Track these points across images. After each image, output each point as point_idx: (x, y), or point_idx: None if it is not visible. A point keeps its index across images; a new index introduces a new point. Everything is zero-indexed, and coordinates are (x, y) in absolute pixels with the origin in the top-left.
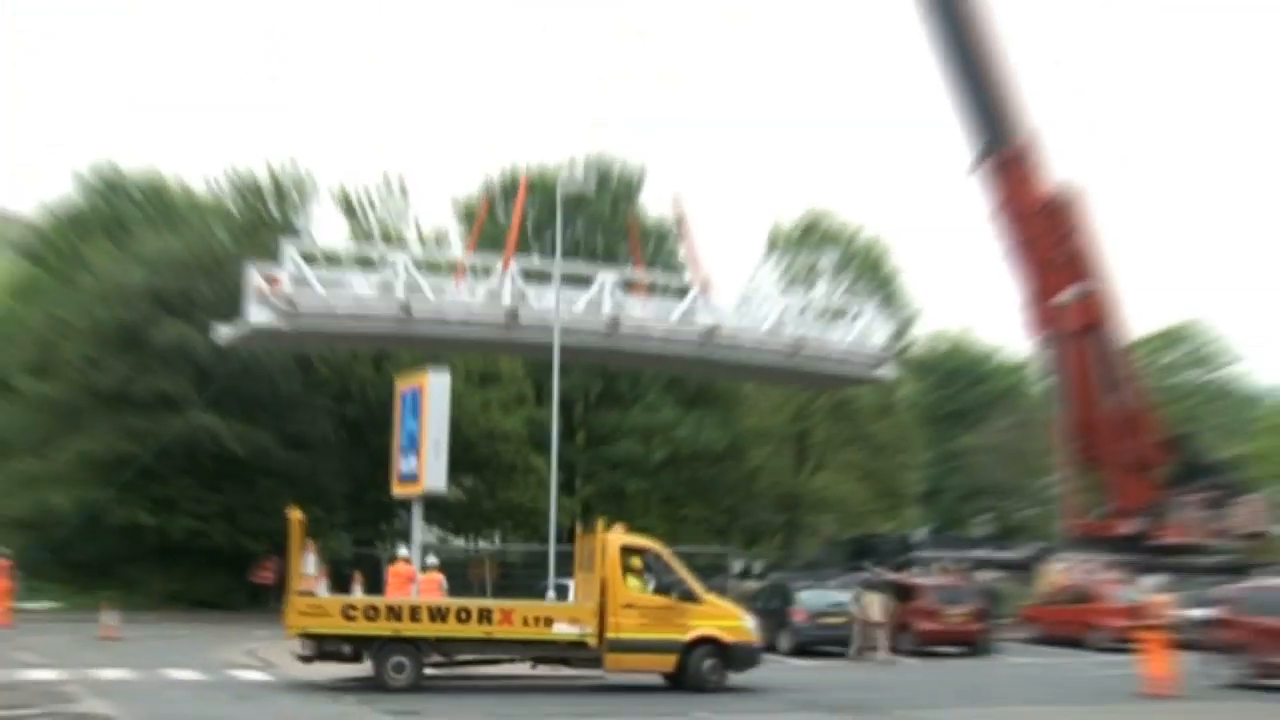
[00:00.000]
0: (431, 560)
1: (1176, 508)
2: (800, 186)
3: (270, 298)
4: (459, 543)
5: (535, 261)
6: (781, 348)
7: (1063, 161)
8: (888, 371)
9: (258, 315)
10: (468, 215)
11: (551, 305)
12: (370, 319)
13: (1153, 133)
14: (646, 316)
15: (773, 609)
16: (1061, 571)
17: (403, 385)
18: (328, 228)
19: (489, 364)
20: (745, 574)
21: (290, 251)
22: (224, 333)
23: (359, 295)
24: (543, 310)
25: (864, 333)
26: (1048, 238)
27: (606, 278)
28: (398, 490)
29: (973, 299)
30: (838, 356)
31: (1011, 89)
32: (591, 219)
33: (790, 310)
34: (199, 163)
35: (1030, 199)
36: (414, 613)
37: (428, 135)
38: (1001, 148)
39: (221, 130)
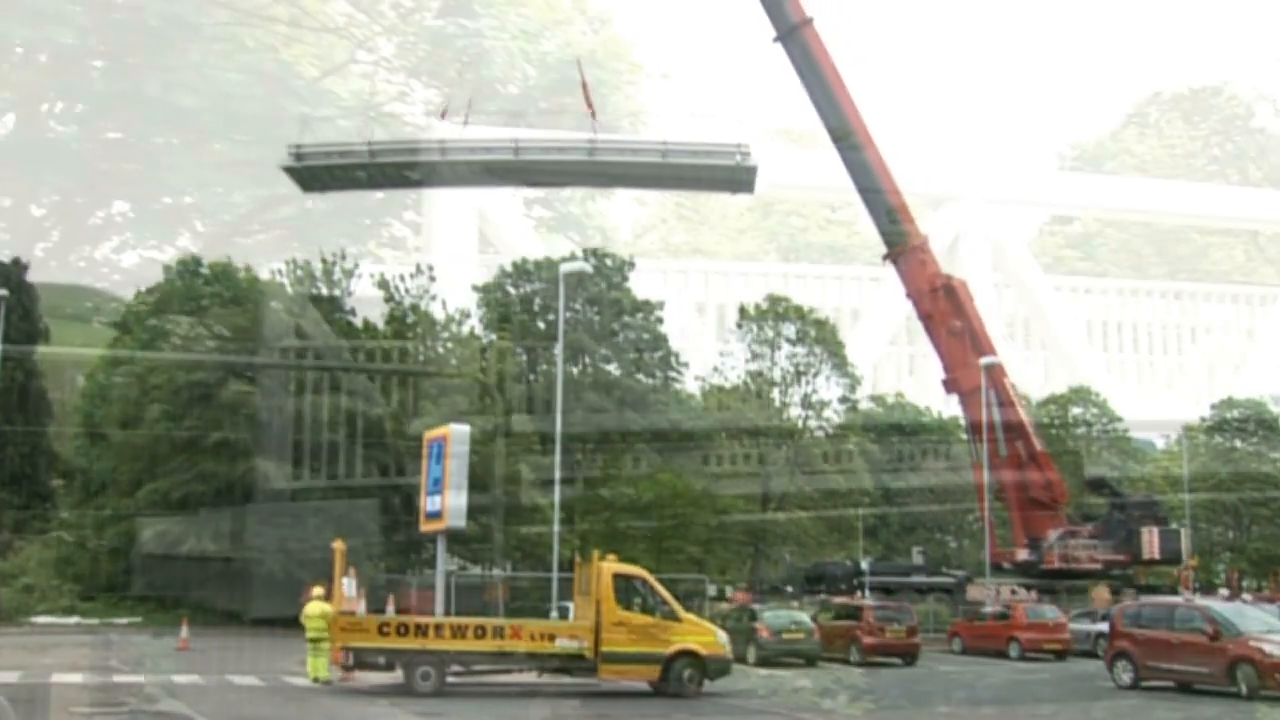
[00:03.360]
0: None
1: (1076, 538)
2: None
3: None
4: (476, 570)
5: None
6: (654, 148)
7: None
8: (751, 160)
9: (280, 160)
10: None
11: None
12: (351, 153)
13: None
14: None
15: (742, 627)
16: (973, 593)
17: (430, 436)
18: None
19: (504, 418)
20: (719, 597)
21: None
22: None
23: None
24: (468, 142)
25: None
26: (945, 314)
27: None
28: (424, 527)
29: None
30: (705, 151)
31: (902, 199)
32: None
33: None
34: (265, 252)
35: (926, 282)
36: (438, 629)
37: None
38: (900, 243)
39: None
